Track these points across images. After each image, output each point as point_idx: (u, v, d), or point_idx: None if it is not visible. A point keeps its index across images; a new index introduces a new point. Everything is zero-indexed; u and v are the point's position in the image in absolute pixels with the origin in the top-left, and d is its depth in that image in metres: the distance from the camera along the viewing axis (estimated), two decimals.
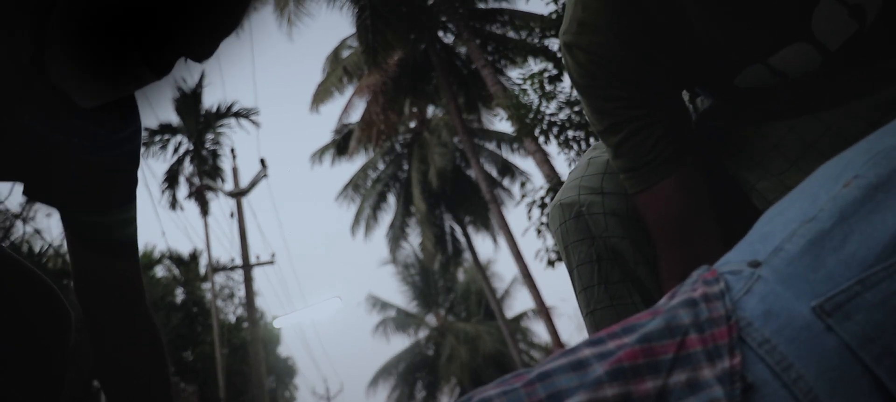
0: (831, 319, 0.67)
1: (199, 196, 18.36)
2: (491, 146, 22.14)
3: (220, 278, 21.42)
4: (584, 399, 0.65)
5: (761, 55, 1.12)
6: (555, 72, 10.32)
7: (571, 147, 10.21)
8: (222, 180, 20.06)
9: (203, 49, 0.90)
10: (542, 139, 10.51)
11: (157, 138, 20.26)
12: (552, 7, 10.33)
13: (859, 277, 0.67)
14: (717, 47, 1.12)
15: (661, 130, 1.17)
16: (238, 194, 16.49)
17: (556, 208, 1.32)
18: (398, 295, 35.40)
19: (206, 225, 18.19)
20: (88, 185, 1.11)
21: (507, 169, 22.20)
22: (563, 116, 10.10)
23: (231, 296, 22.77)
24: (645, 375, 0.66)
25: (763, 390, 0.65)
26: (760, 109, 1.23)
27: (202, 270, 20.83)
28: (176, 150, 20.38)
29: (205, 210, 18.21)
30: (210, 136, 20.45)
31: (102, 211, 1.14)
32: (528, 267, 16.62)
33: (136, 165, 1.20)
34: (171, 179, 19.83)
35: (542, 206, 10.77)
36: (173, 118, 20.54)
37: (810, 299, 0.68)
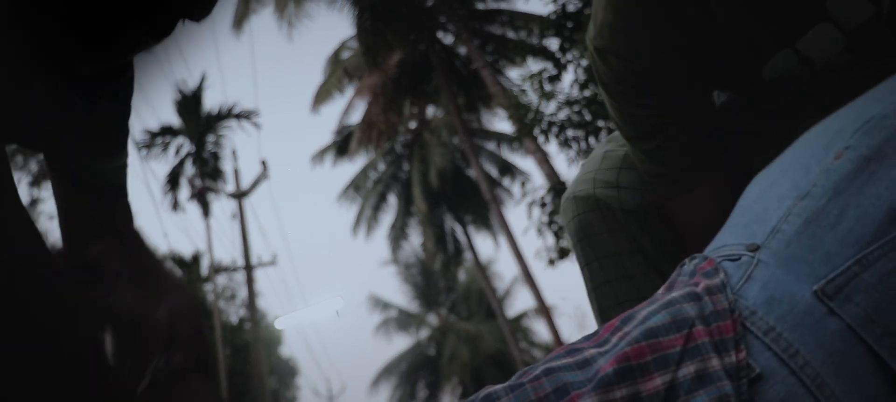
0: (833, 302, 0.68)
1: (201, 198, 18.40)
2: (491, 146, 22.16)
3: (221, 280, 21.48)
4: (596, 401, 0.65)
5: (790, 38, 1.08)
6: (554, 72, 10.35)
7: (571, 147, 10.24)
8: (223, 182, 20.11)
9: (200, 8, 0.90)
10: (541, 139, 10.54)
11: (159, 141, 20.30)
12: (551, 7, 10.37)
13: (857, 256, 0.69)
14: (746, 34, 1.09)
15: (693, 137, 1.15)
16: (239, 196, 16.53)
17: (570, 200, 1.30)
18: (399, 295, 35.40)
19: (207, 227, 18.26)
20: (91, 134, 1.09)
21: (507, 169, 22.21)
22: (562, 115, 10.12)
23: (233, 297, 22.83)
24: (653, 371, 0.66)
25: (771, 378, 0.66)
26: (788, 103, 1.21)
27: (204, 271, 20.87)
28: (177, 152, 20.42)
29: (206, 212, 18.25)
30: (211, 138, 20.49)
31: (104, 159, 1.10)
32: (528, 266, 16.64)
33: (129, 113, 1.17)
34: (173, 181, 19.87)
35: (543, 205, 10.80)
36: (174, 120, 20.59)
37: (811, 283, 0.69)
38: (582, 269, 1.32)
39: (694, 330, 0.69)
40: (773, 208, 0.77)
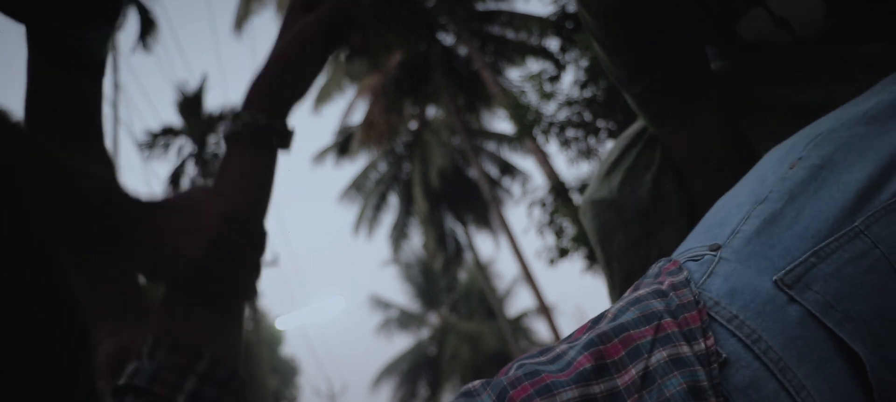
0: (793, 290, 0.71)
1: None
2: (491, 146, 22.19)
3: None
4: (575, 395, 0.67)
5: None
6: (554, 72, 10.37)
7: (571, 147, 10.27)
8: None
9: None
10: (541, 139, 10.56)
11: (160, 141, 20.34)
12: (551, 8, 10.40)
13: (814, 249, 0.73)
14: None
15: (683, 74, 1.19)
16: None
17: (588, 204, 1.36)
18: (400, 295, 35.39)
19: None
20: None
21: (508, 169, 22.24)
22: (562, 116, 10.14)
23: None
24: (628, 364, 0.69)
25: (737, 363, 0.69)
26: (775, 71, 1.23)
27: None
28: (179, 152, 20.45)
29: None
30: (213, 138, 20.51)
31: (86, 23, 1.03)
32: (528, 266, 16.68)
33: None
34: (175, 181, 19.89)
35: (543, 205, 10.83)
36: (176, 121, 20.61)
37: (770, 274, 0.73)
38: (603, 269, 1.38)
39: (663, 322, 0.71)
40: (733, 213, 0.81)
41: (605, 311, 0.78)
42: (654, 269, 0.83)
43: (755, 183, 0.83)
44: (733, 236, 0.78)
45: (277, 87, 0.92)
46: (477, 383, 0.73)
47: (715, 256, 0.77)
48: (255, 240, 0.85)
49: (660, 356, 0.69)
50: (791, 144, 0.84)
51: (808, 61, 1.18)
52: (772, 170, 0.82)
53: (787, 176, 0.79)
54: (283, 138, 0.91)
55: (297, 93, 0.94)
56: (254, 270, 0.85)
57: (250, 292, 0.86)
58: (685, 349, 0.69)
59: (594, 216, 1.36)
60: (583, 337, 0.74)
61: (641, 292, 0.76)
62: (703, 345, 0.70)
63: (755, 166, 0.88)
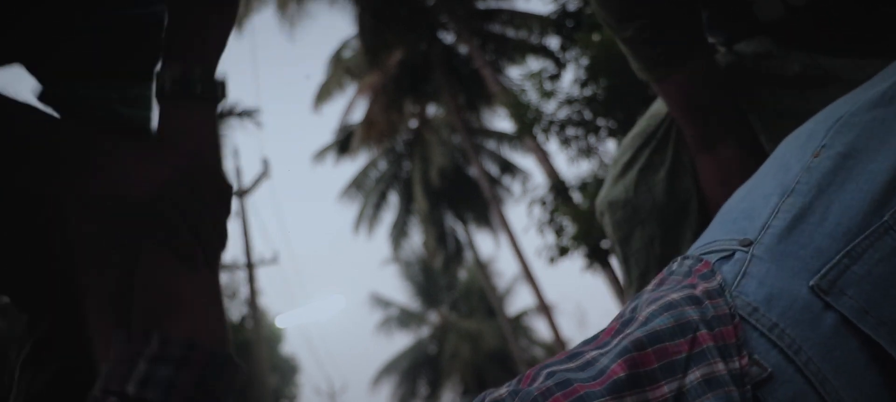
0: (829, 297, 0.69)
1: None
2: (491, 145, 22.18)
3: (223, 278, 21.48)
4: None
5: None
6: (554, 71, 10.37)
7: (571, 145, 10.27)
8: None
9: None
10: (541, 138, 10.56)
11: None
12: (552, 6, 10.40)
13: (846, 249, 0.71)
14: None
15: (676, 18, 1.22)
16: (241, 194, 16.57)
17: (605, 204, 1.42)
18: (400, 293, 35.40)
19: None
20: (112, 48, 0.96)
21: (508, 167, 22.23)
22: (562, 114, 10.14)
23: (234, 295, 22.85)
24: (660, 379, 0.66)
25: (780, 376, 0.67)
26: (785, 39, 1.27)
27: None
28: None
29: None
30: None
31: (124, 85, 0.98)
32: (528, 265, 16.68)
33: (161, 32, 1.01)
34: None
35: (543, 204, 10.83)
36: None
37: (805, 278, 0.71)
38: (621, 266, 1.42)
39: (698, 335, 0.69)
40: (760, 205, 0.79)
41: (634, 312, 0.75)
42: (682, 266, 0.80)
43: (779, 171, 0.81)
44: (764, 231, 0.76)
45: (200, 35, 0.87)
46: (503, 391, 0.70)
47: (747, 253, 0.75)
48: (211, 187, 0.83)
49: (694, 376, 0.67)
50: (810, 129, 0.82)
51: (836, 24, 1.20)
52: (795, 158, 0.80)
53: (812, 166, 0.77)
54: (218, 88, 0.87)
55: (222, 38, 0.89)
56: (214, 218, 0.82)
57: (213, 244, 0.82)
58: (720, 367, 0.67)
59: (611, 216, 1.40)
60: (613, 343, 0.71)
61: (674, 296, 0.73)
62: (737, 364, 0.68)
63: (775, 152, 0.86)
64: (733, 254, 0.76)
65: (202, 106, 0.84)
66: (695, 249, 0.83)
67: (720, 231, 0.82)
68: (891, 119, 0.76)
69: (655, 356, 0.67)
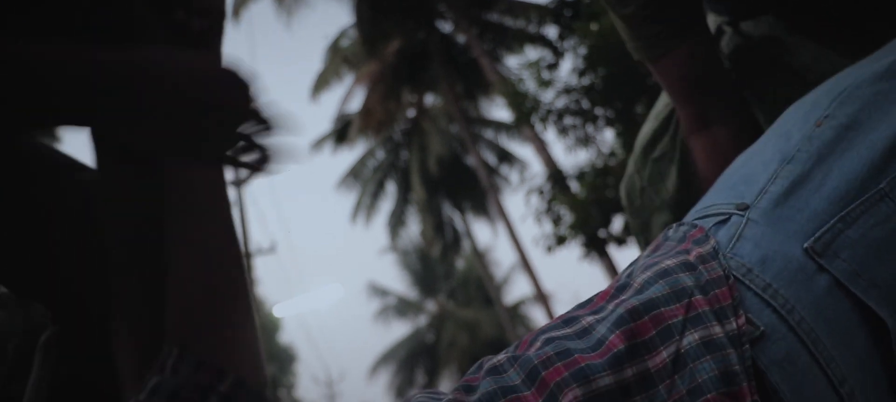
0: (822, 259, 0.71)
1: None
2: (489, 134, 22.17)
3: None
4: (611, 383, 0.65)
5: None
6: (552, 60, 10.36)
7: (569, 134, 10.27)
8: None
9: None
10: (539, 127, 10.56)
11: None
12: None
13: (841, 213, 0.72)
14: None
15: (674, 1, 1.22)
16: (238, 183, 16.56)
17: (624, 192, 1.49)
18: (398, 282, 35.44)
19: None
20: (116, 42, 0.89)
21: (506, 156, 22.23)
22: (560, 103, 10.14)
23: None
24: (659, 345, 0.67)
25: (773, 335, 0.68)
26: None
27: None
28: None
29: None
30: None
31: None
32: (526, 254, 16.69)
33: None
34: None
35: (541, 193, 10.83)
36: None
37: (800, 240, 0.72)
38: (637, 242, 1.49)
39: (693, 299, 0.69)
40: (759, 170, 0.80)
41: (629, 278, 0.75)
42: (677, 232, 0.81)
43: (780, 140, 0.81)
44: (761, 196, 0.77)
45: None
46: (502, 357, 0.70)
47: (743, 217, 0.76)
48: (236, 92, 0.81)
49: (691, 338, 0.67)
50: (814, 99, 0.83)
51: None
52: (797, 127, 0.81)
53: (814, 135, 0.78)
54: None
55: None
56: (243, 120, 0.81)
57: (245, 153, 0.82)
58: (717, 329, 0.68)
59: (630, 204, 1.48)
60: (608, 308, 0.71)
61: (669, 262, 0.74)
62: (734, 325, 0.68)
63: (777, 122, 0.87)
64: (729, 218, 0.77)
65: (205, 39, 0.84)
66: (693, 213, 0.83)
67: (718, 196, 0.82)
68: (893, 92, 0.77)
69: (652, 323, 0.68)
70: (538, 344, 0.69)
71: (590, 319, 0.71)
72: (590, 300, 0.75)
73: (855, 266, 0.71)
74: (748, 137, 1.24)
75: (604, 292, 0.75)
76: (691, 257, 0.73)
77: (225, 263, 0.78)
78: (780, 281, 0.70)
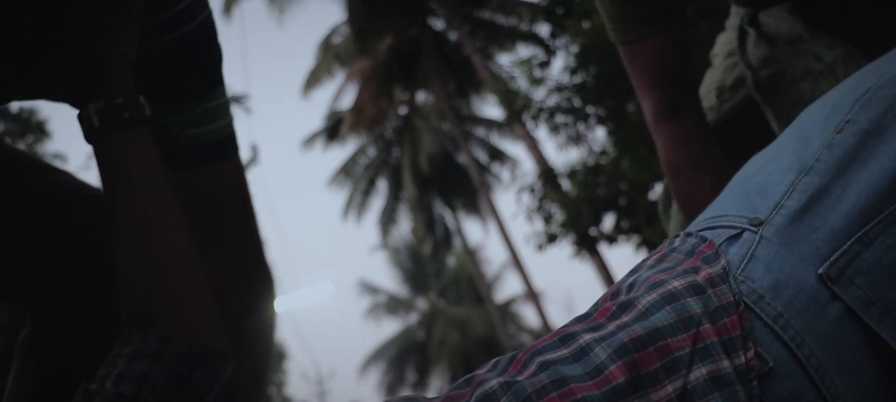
0: (836, 286, 0.67)
1: None
2: (481, 132, 22.19)
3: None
4: None
5: None
6: (544, 58, 10.38)
7: (560, 133, 10.28)
8: None
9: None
10: (531, 125, 10.58)
11: None
12: None
13: (859, 234, 0.68)
14: None
15: None
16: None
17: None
18: (389, 280, 35.44)
19: None
20: (163, 74, 0.90)
21: (497, 155, 22.25)
22: (552, 101, 10.15)
23: None
24: (664, 378, 0.63)
25: (780, 371, 0.64)
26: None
27: None
28: None
29: None
30: None
31: (188, 105, 0.92)
32: (517, 252, 16.72)
33: (215, 40, 0.96)
34: None
35: (532, 191, 10.84)
36: None
37: (815, 264, 0.68)
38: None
39: (701, 329, 0.66)
40: (776, 180, 0.75)
41: (633, 290, 0.72)
42: (685, 243, 0.77)
43: (798, 145, 0.77)
44: (776, 211, 0.72)
45: (107, 61, 0.84)
46: (494, 384, 0.65)
47: (756, 234, 0.72)
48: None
49: (699, 373, 0.63)
50: (835, 101, 0.78)
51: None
52: (816, 132, 0.76)
53: (834, 142, 0.74)
54: (144, 108, 0.83)
55: (129, 51, 0.85)
56: None
57: None
58: (725, 363, 0.64)
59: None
60: (609, 328, 0.68)
61: (676, 284, 0.69)
62: (743, 359, 0.65)
63: (796, 123, 0.82)
64: (741, 233, 0.73)
65: (136, 130, 0.82)
66: (702, 221, 0.80)
67: (731, 204, 0.78)
68: None
69: (657, 355, 0.64)
70: (533, 368, 0.66)
71: (587, 337, 0.67)
72: (589, 314, 0.72)
73: (869, 293, 0.67)
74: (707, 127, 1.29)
75: (604, 309, 0.71)
76: (700, 279, 0.69)
77: (162, 236, 0.79)
78: (792, 310, 0.66)
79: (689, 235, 0.77)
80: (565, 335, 0.69)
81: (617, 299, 0.72)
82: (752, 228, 0.72)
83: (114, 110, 0.80)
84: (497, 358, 0.71)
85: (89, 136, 0.81)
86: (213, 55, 0.96)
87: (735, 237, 0.73)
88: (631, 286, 0.73)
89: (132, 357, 0.71)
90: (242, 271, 1.00)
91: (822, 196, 0.71)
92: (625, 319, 0.68)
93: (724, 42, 1.51)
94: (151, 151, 0.82)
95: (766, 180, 0.77)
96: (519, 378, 0.65)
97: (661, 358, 0.64)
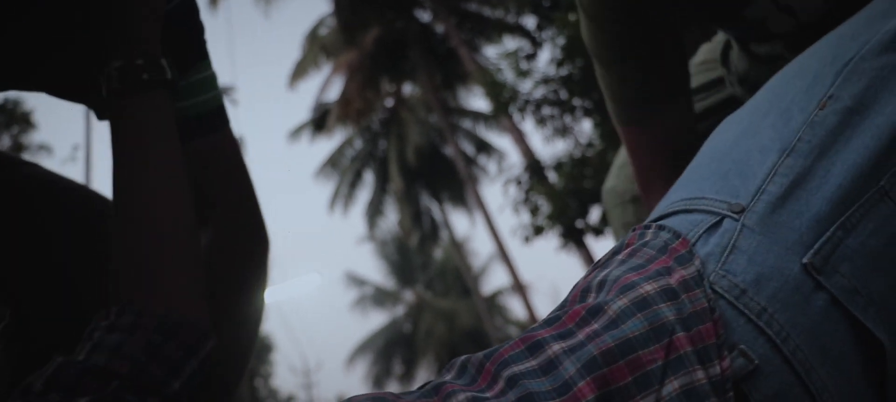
0: (821, 275, 0.64)
1: None
2: (467, 124, 22.18)
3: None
4: None
5: None
6: (530, 50, 10.38)
7: (547, 125, 10.30)
8: None
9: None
10: (517, 117, 10.58)
11: None
12: None
13: (841, 219, 0.65)
14: None
15: (652, 68, 1.16)
16: None
17: (609, 192, 1.58)
18: (376, 272, 35.40)
19: None
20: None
21: (484, 147, 22.25)
22: (538, 94, 10.16)
23: None
24: (635, 394, 0.60)
25: (766, 369, 0.62)
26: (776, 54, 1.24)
27: None
28: None
29: None
30: None
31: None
32: (504, 244, 16.73)
33: (198, 13, 0.95)
34: None
35: (519, 183, 10.86)
36: None
37: (799, 253, 0.65)
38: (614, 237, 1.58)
39: (675, 339, 0.62)
40: (755, 160, 0.72)
41: (603, 289, 0.69)
42: (657, 238, 0.72)
43: (779, 119, 0.73)
44: (758, 197, 0.69)
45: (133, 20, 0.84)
46: (462, 399, 0.62)
47: (737, 222, 0.68)
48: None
49: (671, 387, 0.60)
50: (816, 70, 0.74)
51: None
52: (798, 105, 0.72)
53: (817, 120, 0.70)
54: (165, 70, 0.84)
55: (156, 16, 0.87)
56: None
57: None
58: (700, 375, 0.61)
59: (605, 200, 1.59)
60: (579, 336, 0.64)
61: (648, 288, 0.66)
62: (718, 368, 0.62)
63: (772, 87, 0.79)
64: (721, 221, 0.69)
65: (155, 93, 0.81)
66: (679, 201, 0.75)
67: (708, 184, 0.74)
68: None
69: (628, 369, 0.61)
70: (500, 384, 0.62)
71: (556, 348, 0.64)
72: (558, 317, 0.68)
73: (854, 282, 0.64)
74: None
75: (574, 312, 0.67)
76: (673, 282, 0.66)
77: (159, 207, 0.78)
78: (776, 304, 0.64)
79: (661, 227, 0.73)
80: (533, 344, 0.65)
81: (586, 302, 0.68)
82: (734, 215, 0.69)
83: (132, 72, 0.79)
84: (464, 360, 0.68)
85: (105, 98, 0.80)
86: (197, 27, 0.95)
87: (715, 226, 0.69)
88: (601, 285, 0.70)
89: (108, 329, 0.71)
90: (241, 238, 1.00)
91: (806, 179, 0.68)
92: (595, 326, 0.64)
93: (705, 51, 1.50)
94: (167, 118, 0.81)
95: (744, 158, 0.73)
96: (487, 394, 0.62)
97: (633, 372, 0.61)
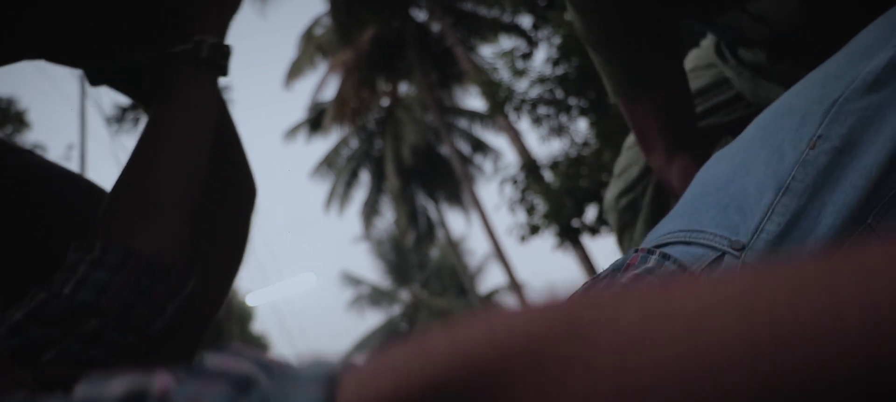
0: None
1: None
2: (463, 124, 22.19)
3: None
4: None
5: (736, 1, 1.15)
6: (526, 49, 10.38)
7: (543, 124, 10.30)
8: None
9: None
10: (513, 117, 10.58)
11: (130, 115, 20.10)
12: None
13: None
14: None
15: (644, 45, 1.21)
16: None
17: (612, 204, 1.60)
18: (372, 271, 35.39)
19: None
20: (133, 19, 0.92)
21: (480, 146, 22.26)
22: (534, 93, 10.16)
23: None
24: None
25: None
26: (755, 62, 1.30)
27: None
28: None
29: None
30: None
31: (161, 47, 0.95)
32: (500, 243, 16.74)
33: None
34: None
35: (514, 182, 10.86)
36: None
37: None
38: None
39: None
40: (752, 197, 0.74)
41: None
42: (661, 268, 0.74)
43: (773, 156, 0.76)
44: (757, 235, 0.72)
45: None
46: None
47: (738, 260, 0.70)
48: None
49: None
50: (804, 109, 0.77)
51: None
52: (790, 143, 0.75)
53: (808, 159, 0.73)
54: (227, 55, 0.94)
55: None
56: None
57: None
58: None
59: (609, 216, 1.62)
60: None
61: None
62: None
63: (763, 127, 0.81)
64: (722, 257, 0.72)
65: (209, 71, 0.90)
66: (678, 232, 0.77)
67: (708, 218, 0.76)
68: (885, 106, 0.73)
69: None
70: None
71: None
72: None
73: None
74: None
75: None
76: None
77: (171, 157, 0.83)
78: None
79: (666, 257, 0.75)
80: None
81: None
82: (735, 252, 0.71)
83: (222, 51, 0.90)
84: None
85: (180, 64, 0.88)
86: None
87: (716, 261, 0.72)
88: None
89: (93, 264, 0.72)
90: (225, 174, 1.05)
91: (801, 218, 0.71)
92: None
93: (695, 57, 1.52)
94: (219, 96, 0.92)
95: (742, 193, 0.76)
96: None
97: None
